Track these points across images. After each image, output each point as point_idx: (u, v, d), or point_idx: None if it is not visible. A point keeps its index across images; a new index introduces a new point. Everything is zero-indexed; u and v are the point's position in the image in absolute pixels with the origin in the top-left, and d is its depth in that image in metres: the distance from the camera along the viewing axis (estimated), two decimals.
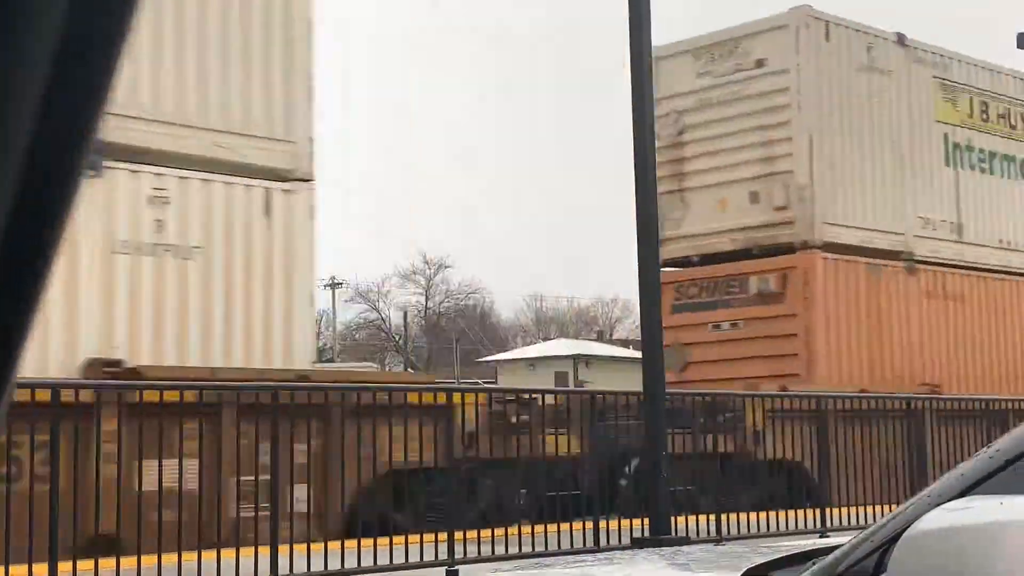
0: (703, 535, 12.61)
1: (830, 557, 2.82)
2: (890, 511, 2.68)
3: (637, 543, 10.98)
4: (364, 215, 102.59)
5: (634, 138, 11.86)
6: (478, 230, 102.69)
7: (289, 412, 10.60)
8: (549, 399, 14.51)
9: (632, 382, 16.24)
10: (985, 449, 2.68)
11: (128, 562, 9.19)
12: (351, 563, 10.42)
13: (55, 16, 0.60)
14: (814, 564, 2.90)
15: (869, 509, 14.01)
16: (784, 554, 3.35)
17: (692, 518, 12.71)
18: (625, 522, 12.28)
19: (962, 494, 2.55)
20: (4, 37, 0.59)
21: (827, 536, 11.70)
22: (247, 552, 9.89)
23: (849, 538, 2.96)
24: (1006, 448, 2.61)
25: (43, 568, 8.70)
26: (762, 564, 3.24)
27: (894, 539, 2.53)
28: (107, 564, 9.26)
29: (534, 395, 14.14)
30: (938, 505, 2.48)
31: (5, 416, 0.70)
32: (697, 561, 3.77)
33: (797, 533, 13.21)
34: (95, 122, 0.65)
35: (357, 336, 74.29)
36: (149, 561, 9.20)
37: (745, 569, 3.17)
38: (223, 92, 14.42)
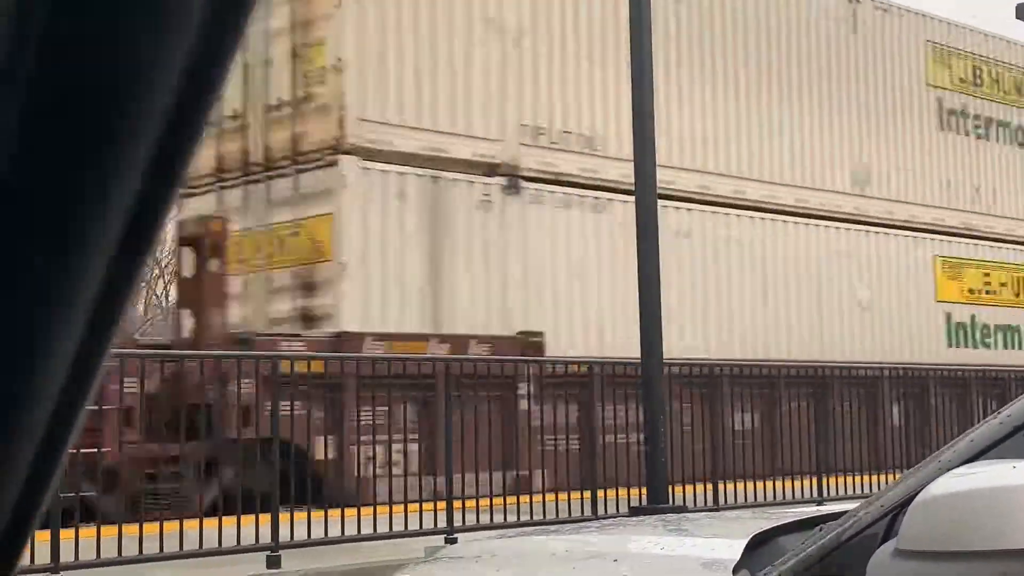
0: (700, 504, 12.67)
1: (838, 523, 2.83)
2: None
3: (635, 512, 11.00)
4: None
5: (632, 68, 11.14)
6: None
7: None
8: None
9: None
10: (995, 415, 2.69)
11: None
12: (351, 530, 10.47)
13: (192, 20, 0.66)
14: (821, 530, 2.91)
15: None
16: (791, 520, 3.37)
17: (689, 488, 12.76)
18: (623, 491, 12.32)
19: (972, 459, 2.56)
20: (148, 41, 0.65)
21: (823, 505, 11.74)
22: (247, 520, 9.94)
23: (854, 505, 2.98)
24: (1016, 414, 2.62)
25: None
26: (769, 530, 3.25)
27: (904, 504, 2.54)
28: None
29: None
30: (948, 471, 2.50)
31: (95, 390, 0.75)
32: (703, 527, 3.79)
33: (793, 502, 13.26)
34: (202, 131, 0.71)
35: None
36: None
37: (752, 534, 3.18)
38: None
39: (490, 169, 16.77)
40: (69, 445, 0.76)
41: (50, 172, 0.67)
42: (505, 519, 11.39)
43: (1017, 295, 24.45)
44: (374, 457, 11.24)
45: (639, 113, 11.11)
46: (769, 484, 13.77)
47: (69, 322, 0.70)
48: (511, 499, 11.75)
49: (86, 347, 0.72)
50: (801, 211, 20.78)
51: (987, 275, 23.95)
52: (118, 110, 0.66)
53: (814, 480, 14.25)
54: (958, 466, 2.51)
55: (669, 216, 17.07)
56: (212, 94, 0.70)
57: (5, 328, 0.69)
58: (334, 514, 10.47)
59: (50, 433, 0.73)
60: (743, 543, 3.12)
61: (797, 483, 14.08)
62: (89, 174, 0.67)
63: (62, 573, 8.83)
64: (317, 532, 10.26)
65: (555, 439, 13.73)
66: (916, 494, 2.46)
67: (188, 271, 14.48)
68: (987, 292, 23.94)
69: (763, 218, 20.16)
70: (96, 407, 10.12)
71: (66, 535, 8.83)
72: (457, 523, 11.08)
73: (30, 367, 0.71)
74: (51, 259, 0.68)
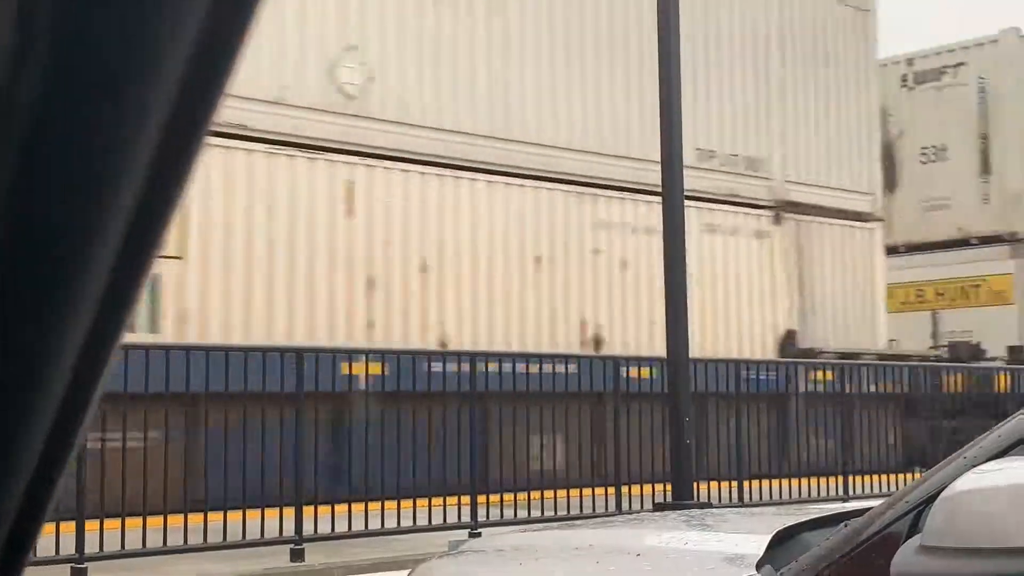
0: (724, 501, 12.63)
1: (862, 519, 2.81)
2: None
3: (659, 508, 10.98)
4: None
5: (660, 66, 11.00)
6: None
7: None
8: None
9: None
10: (1021, 412, 2.67)
11: None
12: (375, 524, 10.49)
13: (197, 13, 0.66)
14: (845, 526, 2.90)
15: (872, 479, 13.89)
16: (815, 516, 3.35)
17: (714, 484, 12.72)
18: (647, 488, 12.30)
19: (997, 456, 2.54)
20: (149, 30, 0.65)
21: (848, 503, 11.69)
22: (271, 513, 9.97)
23: (879, 501, 2.96)
24: None
25: None
26: (793, 525, 3.24)
27: (929, 501, 2.52)
28: None
29: None
30: (973, 467, 2.48)
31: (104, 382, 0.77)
32: (727, 522, 3.77)
33: (819, 500, 13.22)
34: (212, 115, 0.71)
35: None
36: None
37: (777, 530, 3.17)
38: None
39: None
40: (77, 441, 0.76)
41: (54, 168, 0.66)
42: (529, 514, 11.39)
43: None
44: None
45: (666, 113, 11.03)
46: (795, 482, 13.73)
47: (78, 315, 0.70)
48: (535, 494, 11.75)
49: (94, 340, 0.72)
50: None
51: None
52: (121, 105, 0.66)
53: (839, 479, 14.20)
54: (983, 462, 2.49)
55: None
56: (216, 93, 0.70)
57: (13, 323, 0.69)
58: (357, 508, 10.48)
59: (59, 428, 0.73)
60: (767, 539, 3.10)
61: (822, 481, 14.04)
62: (93, 170, 0.67)
63: (87, 564, 8.87)
64: (341, 526, 10.28)
65: None
66: (941, 491, 2.44)
67: None
68: None
69: None
70: None
71: (91, 526, 8.86)
72: (481, 518, 11.09)
73: (38, 363, 0.71)
74: (56, 257, 0.68)
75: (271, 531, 9.92)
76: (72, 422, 0.74)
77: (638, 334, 17.17)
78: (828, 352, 18.81)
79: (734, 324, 18.55)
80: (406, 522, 10.64)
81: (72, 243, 0.68)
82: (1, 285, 0.68)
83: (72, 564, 8.80)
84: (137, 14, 0.64)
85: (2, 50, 0.62)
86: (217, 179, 13.33)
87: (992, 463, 2.45)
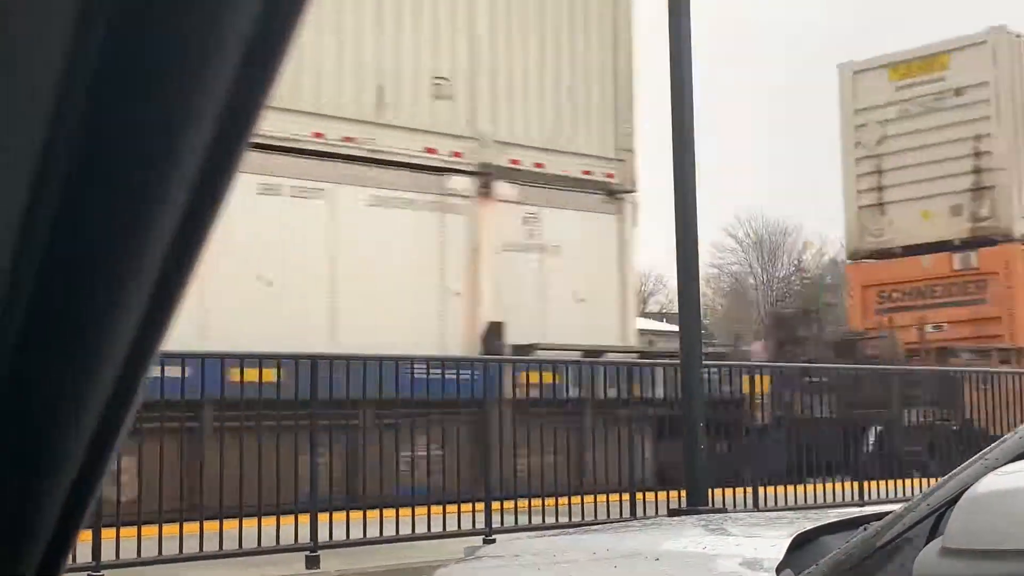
0: (740, 507, 12.60)
1: (882, 522, 2.80)
2: None
3: (674, 514, 10.95)
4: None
5: (671, 92, 10.99)
6: None
7: None
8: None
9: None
10: None
11: None
12: (389, 531, 10.48)
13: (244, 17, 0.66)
14: (865, 529, 2.89)
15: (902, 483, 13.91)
16: (834, 519, 3.34)
17: (729, 490, 12.69)
18: (662, 494, 12.27)
19: (1019, 458, 2.54)
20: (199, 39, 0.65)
21: (866, 507, 11.64)
22: (287, 520, 9.96)
23: (898, 505, 2.95)
24: None
25: None
26: (812, 529, 3.23)
27: (950, 503, 2.52)
28: None
29: None
30: (995, 469, 2.47)
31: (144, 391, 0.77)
32: (746, 527, 3.76)
33: (834, 505, 13.17)
34: (255, 124, 0.71)
35: None
36: None
37: (795, 534, 3.16)
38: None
39: None
40: (117, 446, 0.76)
41: (103, 175, 0.67)
42: (544, 520, 11.37)
43: None
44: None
45: (677, 102, 11.00)
46: (810, 488, 13.70)
47: (123, 320, 0.71)
48: (549, 501, 11.72)
49: (135, 349, 0.72)
50: None
51: None
52: (169, 112, 0.67)
53: (855, 484, 14.15)
54: (1005, 464, 2.48)
55: None
56: (260, 101, 0.70)
57: (59, 329, 0.69)
58: (373, 514, 10.48)
59: (99, 434, 0.74)
60: (786, 543, 3.10)
61: (838, 486, 14.00)
62: (140, 177, 0.68)
63: (104, 572, 8.88)
64: (356, 532, 10.28)
65: None
66: (962, 493, 2.43)
67: None
68: None
69: None
70: None
71: (107, 535, 8.87)
72: (496, 524, 11.07)
73: (82, 372, 0.71)
74: (102, 263, 0.69)
75: (286, 538, 9.91)
76: (111, 431, 0.74)
77: None
78: None
79: None
80: (421, 529, 10.63)
81: (118, 250, 0.69)
82: (48, 293, 0.68)
83: (89, 572, 8.80)
84: (186, 23, 0.64)
85: (58, 56, 0.62)
86: None
87: (1013, 464, 2.44)
